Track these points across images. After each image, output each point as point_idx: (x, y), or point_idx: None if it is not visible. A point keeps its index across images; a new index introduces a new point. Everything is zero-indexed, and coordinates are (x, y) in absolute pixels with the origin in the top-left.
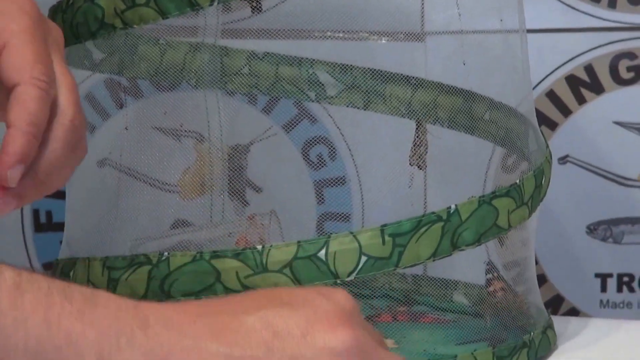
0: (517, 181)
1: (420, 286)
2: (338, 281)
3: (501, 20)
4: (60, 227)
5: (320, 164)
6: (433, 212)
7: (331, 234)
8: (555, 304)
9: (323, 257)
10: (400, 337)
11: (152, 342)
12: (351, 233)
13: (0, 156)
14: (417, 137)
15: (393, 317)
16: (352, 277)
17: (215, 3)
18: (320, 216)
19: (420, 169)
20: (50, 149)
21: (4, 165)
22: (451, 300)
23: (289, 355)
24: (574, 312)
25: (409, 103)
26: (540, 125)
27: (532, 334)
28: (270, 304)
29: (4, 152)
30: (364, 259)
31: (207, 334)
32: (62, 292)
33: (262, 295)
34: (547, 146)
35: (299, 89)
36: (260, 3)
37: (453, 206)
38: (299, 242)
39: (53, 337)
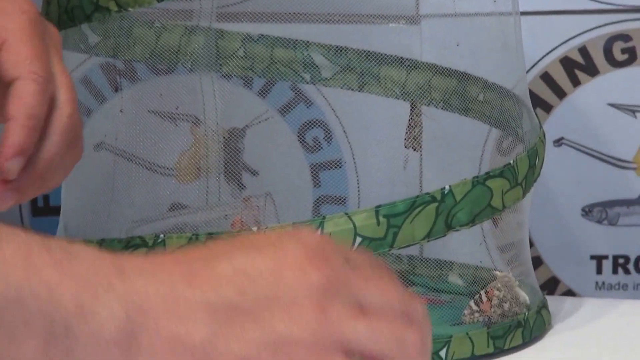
0: (511, 162)
1: (416, 267)
2: None
3: (495, 2)
4: (57, 210)
5: (316, 147)
6: (427, 193)
7: (326, 215)
8: (551, 286)
9: None
10: None
11: (128, 290)
12: (346, 214)
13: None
14: (412, 118)
15: None
16: None
17: None
18: (317, 199)
19: (416, 150)
20: (49, 143)
21: (3, 157)
22: (446, 281)
23: (262, 296)
24: (569, 294)
25: (404, 85)
26: (535, 108)
27: (526, 313)
28: (239, 250)
29: (3, 145)
30: (359, 239)
31: (182, 281)
32: (40, 243)
33: (232, 241)
34: (541, 127)
35: (294, 71)
36: None
37: (447, 187)
38: (293, 223)
39: (32, 286)
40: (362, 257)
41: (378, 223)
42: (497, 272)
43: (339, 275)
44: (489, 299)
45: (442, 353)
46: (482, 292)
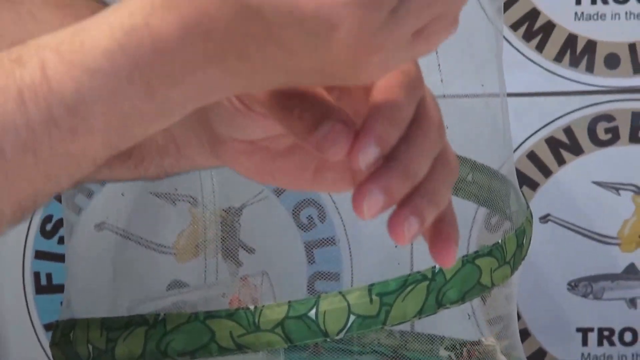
0: (499, 240)
1: (408, 342)
2: (328, 339)
3: (482, 85)
4: (60, 288)
5: (310, 226)
6: (418, 272)
7: (321, 294)
8: (538, 358)
9: (313, 317)
10: None
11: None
12: (340, 293)
13: (356, 137)
14: None
15: None
16: (341, 335)
17: None
18: (311, 275)
19: None
20: (418, 146)
21: (356, 145)
22: (437, 355)
23: None
24: None
25: None
26: (521, 186)
27: None
28: None
29: (359, 134)
30: (352, 317)
31: None
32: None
33: None
34: (528, 207)
35: None
36: None
37: (437, 266)
38: (289, 302)
39: None
40: None
41: (371, 301)
42: (483, 339)
43: None
44: (469, 357)
45: None
46: (465, 350)
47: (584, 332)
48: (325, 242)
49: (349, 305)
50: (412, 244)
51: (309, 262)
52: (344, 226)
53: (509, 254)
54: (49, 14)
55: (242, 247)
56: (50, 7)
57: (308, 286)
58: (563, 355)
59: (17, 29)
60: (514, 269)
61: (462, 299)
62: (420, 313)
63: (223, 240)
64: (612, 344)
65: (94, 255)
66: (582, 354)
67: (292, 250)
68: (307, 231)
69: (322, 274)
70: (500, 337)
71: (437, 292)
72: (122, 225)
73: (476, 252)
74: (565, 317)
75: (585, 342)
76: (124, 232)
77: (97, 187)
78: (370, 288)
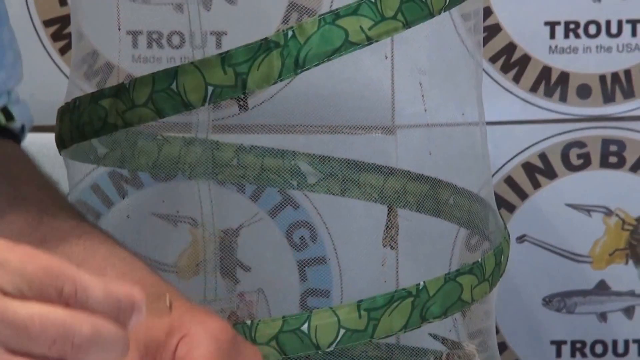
0: (479, 259)
1: (393, 354)
2: (319, 351)
3: (462, 114)
4: None
5: (302, 246)
6: (404, 289)
7: (313, 309)
8: None
9: (306, 330)
10: None
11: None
12: (331, 308)
13: None
14: (389, 220)
15: None
16: (332, 348)
17: (207, 103)
18: (304, 292)
19: (392, 249)
20: None
21: None
22: None
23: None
24: None
25: (381, 190)
26: (499, 208)
27: None
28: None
29: None
30: (342, 331)
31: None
32: None
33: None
34: (505, 227)
35: (283, 178)
36: (246, 102)
37: (422, 283)
38: (283, 317)
39: None
40: None
41: (359, 316)
42: (465, 343)
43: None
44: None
45: None
46: (445, 354)
47: (558, 344)
48: (317, 261)
49: (339, 319)
50: (396, 264)
51: (302, 279)
52: (334, 246)
53: (488, 271)
54: (4, 204)
55: (239, 266)
56: (8, 198)
57: (300, 302)
58: None
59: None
60: (492, 285)
61: (444, 313)
62: (405, 327)
63: (221, 259)
64: (584, 355)
65: None
66: None
67: (285, 269)
68: (299, 251)
69: (313, 290)
70: (480, 350)
71: (421, 307)
72: (127, 246)
73: (457, 270)
74: (540, 330)
75: (559, 354)
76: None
77: (105, 210)
78: (358, 304)
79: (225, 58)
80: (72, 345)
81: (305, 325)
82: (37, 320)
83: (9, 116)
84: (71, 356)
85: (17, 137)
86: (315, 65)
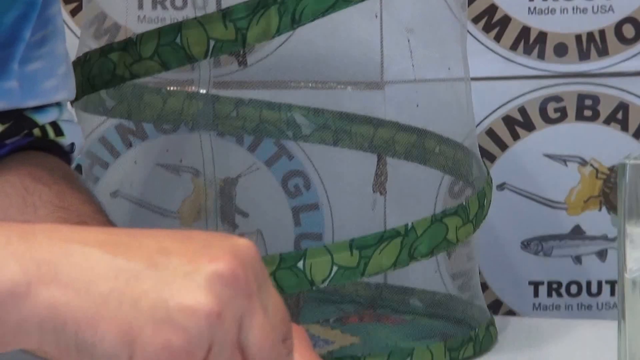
0: (464, 202)
1: (382, 293)
2: (314, 287)
3: (449, 69)
4: None
5: (297, 193)
6: (393, 229)
7: (307, 248)
8: (495, 307)
9: (301, 267)
10: (366, 335)
11: (29, 245)
12: (325, 247)
13: None
14: (379, 168)
15: (360, 318)
16: (325, 284)
17: (209, 57)
18: (298, 236)
19: (381, 194)
20: None
21: None
22: (408, 304)
23: (170, 271)
24: (511, 314)
25: (371, 140)
26: (481, 158)
27: (477, 330)
28: (173, 234)
29: None
30: (335, 268)
31: (94, 243)
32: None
33: (174, 230)
34: (488, 173)
35: (279, 129)
36: (245, 59)
37: (410, 223)
38: (280, 254)
39: None
40: (273, 296)
41: (351, 254)
42: None
43: (247, 283)
44: None
45: None
46: None
47: (536, 285)
48: (310, 207)
49: (332, 257)
50: (385, 208)
51: (296, 224)
52: (327, 193)
53: (472, 213)
54: (46, 211)
55: (238, 212)
56: (51, 206)
57: (295, 245)
58: (517, 305)
59: (19, 216)
60: (476, 226)
61: (431, 252)
62: (394, 265)
63: (221, 206)
64: (559, 295)
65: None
66: (534, 304)
67: (281, 215)
68: (294, 198)
69: (307, 234)
70: (463, 289)
71: (409, 246)
72: (134, 193)
73: (443, 211)
74: (519, 272)
75: (536, 294)
76: (136, 199)
77: (112, 160)
78: (351, 242)
79: (226, 14)
80: None
81: (301, 262)
82: None
83: (58, 132)
84: None
85: (66, 154)
86: (311, 21)
